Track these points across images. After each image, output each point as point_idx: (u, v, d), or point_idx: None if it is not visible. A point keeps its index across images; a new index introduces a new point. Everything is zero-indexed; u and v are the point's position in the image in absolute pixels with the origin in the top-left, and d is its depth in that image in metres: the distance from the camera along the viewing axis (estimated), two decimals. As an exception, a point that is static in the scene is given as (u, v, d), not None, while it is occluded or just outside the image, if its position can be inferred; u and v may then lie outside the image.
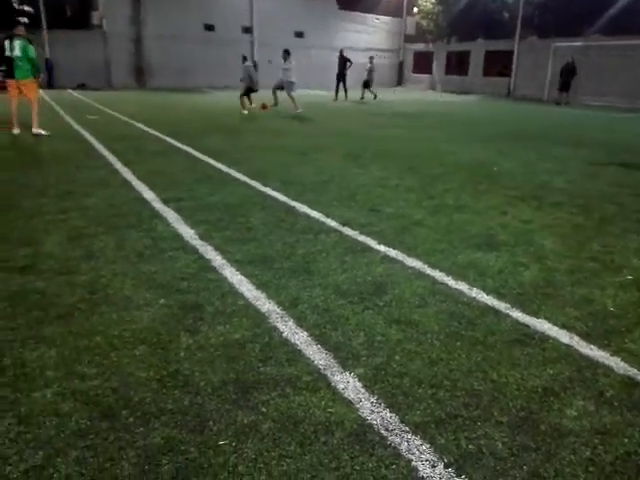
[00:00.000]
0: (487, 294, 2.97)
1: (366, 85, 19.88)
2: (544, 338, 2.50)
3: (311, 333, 2.48)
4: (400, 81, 35.62)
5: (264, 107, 14.68)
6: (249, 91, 14.01)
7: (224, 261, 3.37)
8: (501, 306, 2.82)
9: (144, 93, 22.05)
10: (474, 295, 2.96)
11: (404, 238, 3.90)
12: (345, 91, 19.45)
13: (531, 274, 3.29)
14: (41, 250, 3.46)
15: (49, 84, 23.43)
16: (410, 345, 2.41)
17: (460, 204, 4.93)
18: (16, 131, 8.82)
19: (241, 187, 5.45)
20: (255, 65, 16.73)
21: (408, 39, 35.10)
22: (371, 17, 33.73)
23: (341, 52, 19.61)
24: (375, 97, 19.74)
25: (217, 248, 3.60)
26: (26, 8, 22.02)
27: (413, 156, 7.61)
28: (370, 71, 19.92)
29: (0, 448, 1.71)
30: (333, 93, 19.76)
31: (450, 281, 3.14)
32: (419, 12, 33.23)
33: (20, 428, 1.80)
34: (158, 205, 4.63)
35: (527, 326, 2.61)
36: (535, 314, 2.74)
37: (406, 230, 4.10)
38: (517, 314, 2.73)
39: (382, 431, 1.83)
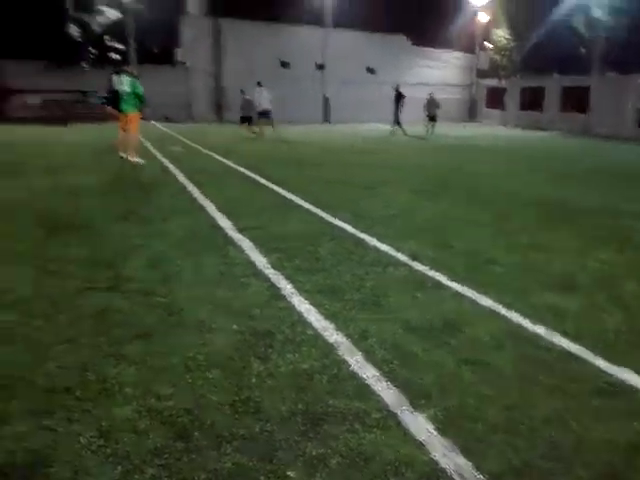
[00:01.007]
0: (566, 339, 2.82)
1: (432, 119, 19.39)
2: (630, 389, 2.33)
3: (380, 368, 2.45)
4: (472, 116, 35.26)
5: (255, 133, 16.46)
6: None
7: (294, 290, 3.42)
8: (582, 352, 2.67)
9: (222, 126, 23.12)
10: (552, 339, 2.82)
11: (477, 276, 3.80)
12: (399, 124, 19.35)
13: (614, 320, 3.09)
14: (124, 272, 3.67)
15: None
16: (484, 388, 2.32)
17: (536, 242, 4.76)
18: (123, 155, 9.54)
19: (311, 218, 5.54)
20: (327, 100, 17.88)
21: (481, 74, 34.82)
22: (443, 52, 33.83)
23: (397, 88, 19.71)
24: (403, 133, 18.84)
25: (287, 277, 3.66)
26: (117, 45, 23.87)
27: (486, 191, 7.46)
28: (431, 105, 19.34)
29: (83, 460, 1.80)
30: (400, 128, 19.43)
31: (526, 323, 3.02)
32: (493, 47, 33.00)
33: (101, 442, 1.89)
34: (232, 233, 4.79)
35: (611, 375, 2.45)
36: (619, 363, 2.56)
37: (479, 267, 4.00)
38: (600, 362, 2.57)
39: (455, 477, 1.76)
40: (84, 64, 11.10)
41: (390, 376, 2.39)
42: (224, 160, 10.26)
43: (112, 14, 23.14)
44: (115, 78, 9.30)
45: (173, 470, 1.76)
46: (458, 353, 2.63)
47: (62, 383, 2.25)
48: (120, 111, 9.41)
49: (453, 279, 3.69)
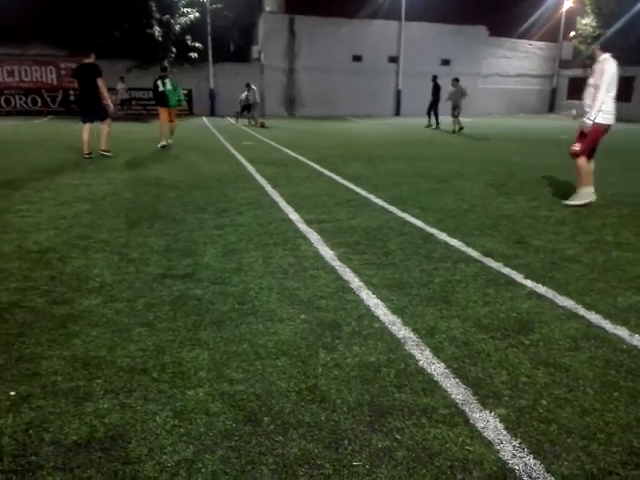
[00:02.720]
0: (653, 343, 2.63)
1: (454, 111, 17.17)
2: None
3: (449, 365, 2.41)
4: (552, 108, 33.55)
5: (262, 125, 18.17)
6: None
7: (361, 283, 3.42)
8: (671, 359, 2.48)
9: (293, 121, 23.45)
10: (636, 343, 2.65)
11: (554, 274, 3.63)
12: (437, 118, 18.84)
13: None
14: (200, 261, 3.82)
15: (211, 112, 26.01)
16: (559, 390, 2.22)
17: (620, 241, 4.47)
18: (163, 143, 11.57)
19: (379, 212, 5.51)
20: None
21: (563, 64, 33.02)
22: (523, 42, 32.40)
23: (434, 78, 19.02)
24: (436, 126, 18.40)
25: (355, 270, 3.67)
26: (197, 44, 24.78)
27: (566, 186, 7.07)
28: (457, 95, 17.05)
29: (158, 438, 1.90)
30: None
31: (607, 325, 2.85)
32: (577, 36, 31.18)
33: (175, 422, 1.99)
34: (302, 226, 4.86)
35: None
36: None
37: (557, 265, 3.81)
38: (691, 370, 2.39)
39: (525, 477, 1.70)
40: (165, 63, 11.77)
41: (459, 373, 2.34)
42: (293, 153, 10.41)
43: (192, 14, 24.03)
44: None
45: (242, 452, 1.82)
46: (533, 354, 2.53)
47: (141, 364, 2.39)
48: (167, 107, 11.64)
49: (529, 277, 3.55)
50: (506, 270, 3.69)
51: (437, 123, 18.89)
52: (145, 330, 2.72)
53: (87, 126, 9.53)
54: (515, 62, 31.88)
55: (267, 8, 28.01)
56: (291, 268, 3.72)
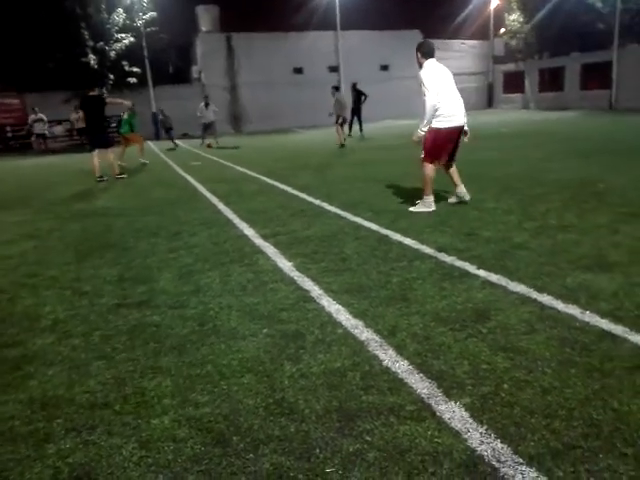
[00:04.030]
0: (602, 318, 2.76)
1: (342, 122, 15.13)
2: (673, 364, 2.27)
3: (412, 362, 2.44)
4: (490, 103, 34.77)
5: (209, 146, 17.38)
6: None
7: (321, 291, 3.44)
8: (618, 330, 2.61)
9: (240, 137, 23.39)
10: (587, 319, 2.76)
11: (505, 262, 3.75)
12: (360, 125, 17.67)
13: (652, 295, 3.01)
14: (155, 287, 3.75)
15: (156, 136, 25.59)
16: (519, 373, 2.29)
17: (564, 224, 4.66)
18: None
19: (333, 219, 5.56)
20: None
21: (497, 60, 34.35)
22: (457, 42, 33.50)
23: (354, 85, 17.60)
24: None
25: (314, 279, 3.69)
26: (134, 69, 24.41)
27: (509, 177, 7.34)
28: (338, 103, 15.23)
29: (126, 471, 1.84)
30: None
31: (559, 305, 2.96)
32: (506, 32, 32.51)
33: (142, 452, 1.94)
34: (258, 241, 4.84)
35: (652, 351, 2.38)
36: (660, 338, 2.49)
37: (507, 254, 3.94)
38: (637, 338, 2.51)
39: (494, 462, 1.74)
40: (103, 90, 11.64)
41: (423, 368, 2.38)
42: (242, 169, 10.38)
43: (127, 39, 23.68)
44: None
45: (213, 475, 1.79)
46: (491, 341, 2.60)
47: (101, 399, 2.32)
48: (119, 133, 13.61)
49: (481, 267, 3.65)
50: (459, 263, 3.78)
51: (360, 129, 17.78)
52: (103, 363, 2.65)
53: (96, 152, 10.31)
54: (451, 62, 32.76)
55: (203, 28, 27.94)
56: (250, 284, 3.70)
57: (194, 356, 2.65)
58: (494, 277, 3.47)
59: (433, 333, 2.72)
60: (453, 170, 5.69)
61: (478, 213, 5.30)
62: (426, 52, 5.33)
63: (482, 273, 3.55)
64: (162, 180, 10.06)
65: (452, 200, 5.78)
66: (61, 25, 21.87)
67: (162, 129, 20.18)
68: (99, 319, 3.23)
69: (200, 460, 1.86)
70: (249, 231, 5.23)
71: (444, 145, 5.43)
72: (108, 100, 10.77)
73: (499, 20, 34.08)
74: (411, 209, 5.58)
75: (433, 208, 5.50)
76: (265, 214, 6.01)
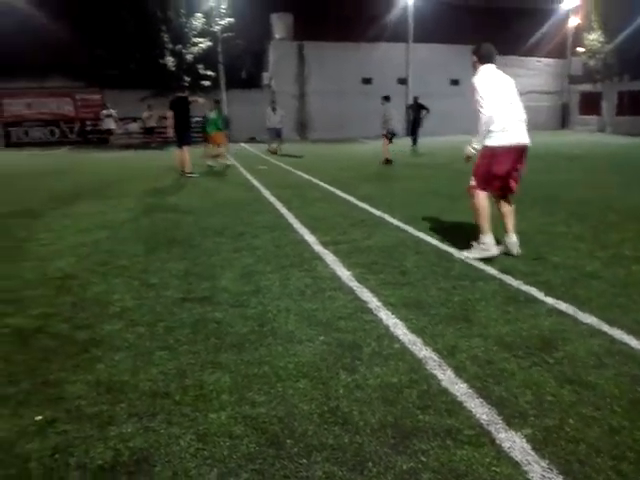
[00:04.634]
0: (681, 359, 2.58)
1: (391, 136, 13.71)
2: None
3: (472, 385, 2.38)
4: (564, 123, 33.51)
5: (274, 152, 17.14)
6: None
7: (379, 303, 3.41)
8: (700, 375, 2.43)
9: (305, 144, 23.68)
10: (663, 359, 2.60)
11: (575, 290, 3.58)
12: (415, 140, 17.16)
13: None
14: (218, 284, 3.85)
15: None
16: (586, 409, 2.18)
17: (639, 255, 4.41)
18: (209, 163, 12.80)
19: (394, 231, 5.51)
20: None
21: (573, 80, 33.09)
22: (532, 60, 32.56)
23: (415, 99, 17.45)
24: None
25: (372, 290, 3.67)
26: (209, 72, 25.27)
27: (581, 201, 7.03)
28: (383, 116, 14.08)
29: (182, 462, 1.90)
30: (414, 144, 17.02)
31: (632, 340, 2.80)
32: (585, 52, 31.28)
33: (199, 445, 1.99)
34: (318, 247, 4.87)
35: None
36: None
37: (577, 282, 3.77)
38: None
39: (556, 500, 1.67)
40: (179, 92, 12.03)
41: (483, 393, 2.31)
42: (306, 176, 10.50)
43: (204, 44, 24.56)
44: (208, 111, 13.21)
45: (266, 476, 1.81)
46: (557, 372, 2.49)
47: (163, 388, 2.40)
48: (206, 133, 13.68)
49: (549, 294, 3.51)
50: (525, 287, 3.65)
51: (415, 144, 17.27)
52: (166, 354, 2.74)
53: (185, 148, 11.07)
54: (525, 79, 31.91)
55: (276, 35, 28.55)
56: (308, 289, 3.73)
57: (252, 355, 2.70)
58: (562, 305, 3.33)
59: (495, 358, 2.64)
60: (508, 209, 4.53)
61: (547, 237, 5.11)
62: (483, 56, 4.46)
63: (550, 300, 3.42)
64: (229, 181, 10.34)
65: (494, 251, 4.39)
66: (142, 27, 22.99)
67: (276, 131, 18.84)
68: (164, 311, 3.35)
69: (254, 459, 1.89)
70: (309, 237, 5.28)
71: (500, 169, 4.31)
72: (190, 99, 11.36)
73: (578, 39, 32.87)
74: (465, 254, 4.45)
75: (493, 253, 4.35)
76: (326, 221, 6.05)
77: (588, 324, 3.03)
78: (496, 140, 4.25)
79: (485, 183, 4.39)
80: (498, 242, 4.48)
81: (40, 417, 2.17)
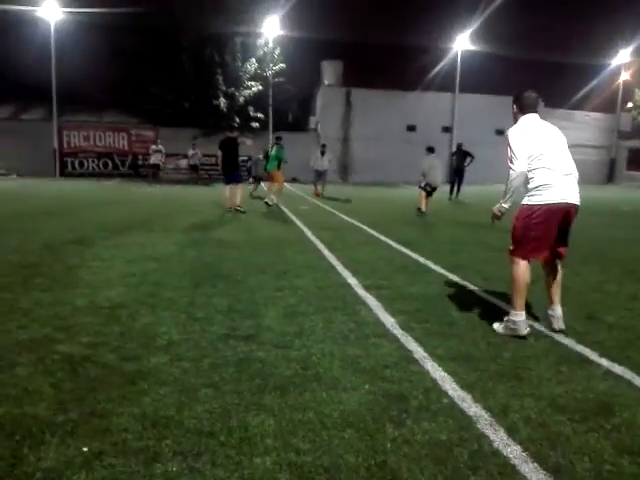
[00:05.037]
0: None
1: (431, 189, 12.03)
2: None
3: (525, 448, 2.27)
4: (611, 178, 32.84)
5: (317, 194, 16.87)
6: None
7: (425, 354, 3.34)
8: None
9: (346, 187, 23.93)
10: None
11: (631, 353, 3.42)
12: (459, 188, 17.10)
13: None
14: (262, 323, 3.86)
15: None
16: (650, 484, 2.04)
17: (702, 320, 4.19)
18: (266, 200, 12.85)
19: (439, 279, 5.43)
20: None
21: (622, 135, 32.60)
22: (580, 113, 32.35)
23: (459, 146, 17.64)
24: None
25: (417, 340, 3.60)
26: (259, 115, 26.16)
27: (633, 259, 6.79)
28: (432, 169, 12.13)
29: (227, 505, 1.86)
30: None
31: (697, 412, 2.63)
32: (635, 107, 30.88)
33: (244, 490, 1.95)
34: (360, 291, 4.85)
35: None
36: None
37: (633, 344, 3.60)
38: None
39: None
40: (228, 133, 12.45)
41: (538, 458, 2.20)
42: (347, 218, 10.56)
43: (256, 87, 25.55)
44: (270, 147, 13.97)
45: (312, 528, 1.75)
46: (616, 440, 2.36)
47: (208, 427, 2.38)
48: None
49: (604, 355, 3.36)
50: (579, 347, 3.51)
51: (457, 193, 17.07)
52: (211, 391, 2.74)
53: (228, 187, 11.54)
54: (571, 132, 31.55)
55: (325, 81, 29.45)
56: (352, 334, 3.69)
57: (296, 400, 2.66)
58: (618, 368, 3.17)
59: (549, 420, 2.52)
60: (555, 277, 3.94)
61: (599, 295, 4.93)
62: (525, 105, 3.92)
63: (604, 362, 3.26)
64: (272, 219, 10.50)
65: (522, 332, 3.71)
66: (200, 70, 24.15)
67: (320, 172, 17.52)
68: (209, 346, 3.37)
69: (300, 510, 1.84)
70: (352, 280, 5.27)
71: (544, 232, 3.70)
72: (239, 140, 11.82)
73: (627, 94, 32.54)
74: (495, 326, 3.88)
75: (523, 332, 3.69)
76: (368, 265, 6.03)
77: (649, 391, 2.87)
78: (535, 198, 3.68)
79: (524, 249, 3.77)
80: (535, 317, 4.09)
81: (87, 449, 2.18)
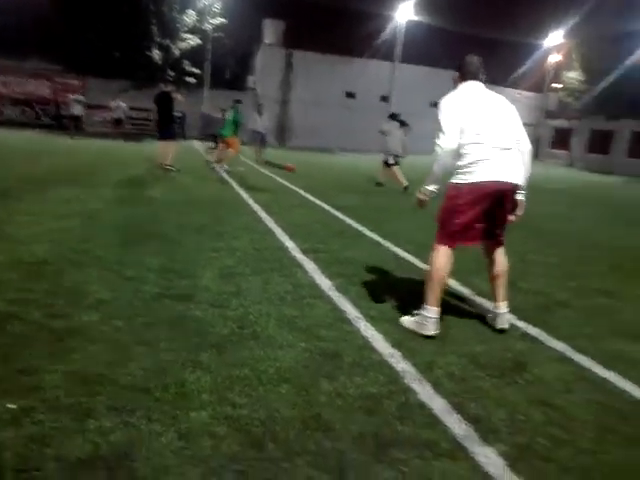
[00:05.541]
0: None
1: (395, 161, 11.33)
2: None
3: (449, 400, 2.44)
4: (536, 155, 34.61)
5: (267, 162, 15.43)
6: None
7: (359, 315, 3.46)
8: (661, 405, 2.56)
9: (283, 151, 23.70)
10: (625, 387, 2.72)
11: (546, 317, 3.72)
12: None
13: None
14: (198, 283, 3.83)
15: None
16: (555, 430, 2.27)
17: (606, 289, 4.60)
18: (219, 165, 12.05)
19: (373, 246, 5.59)
20: None
21: (549, 115, 34.27)
22: (511, 91, 33.55)
23: (394, 116, 13.11)
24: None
25: (352, 301, 3.71)
26: (195, 70, 25.10)
27: (554, 233, 7.28)
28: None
29: (164, 459, 1.89)
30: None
31: (598, 369, 2.93)
32: (563, 88, 32.44)
33: (181, 443, 1.98)
34: (297, 254, 4.90)
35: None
36: None
37: (547, 309, 3.91)
38: (681, 417, 2.46)
39: (529, 516, 1.73)
40: (162, 85, 11.86)
41: (459, 409, 2.37)
42: (283, 181, 10.53)
43: (193, 41, 24.41)
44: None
45: (249, 477, 1.82)
46: (529, 394, 2.59)
47: (142, 384, 2.37)
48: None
49: (521, 318, 3.63)
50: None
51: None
52: (145, 349, 2.71)
53: (171, 142, 11.12)
54: (502, 109, 32.92)
55: (266, 40, 28.64)
56: (288, 295, 3.75)
57: (233, 357, 2.70)
58: (533, 330, 3.45)
59: (470, 376, 2.72)
60: (499, 269, 3.45)
61: (521, 264, 5.26)
62: (466, 71, 3.37)
63: (521, 324, 3.53)
64: (208, 180, 10.25)
65: (430, 332, 3.18)
66: (133, 18, 22.70)
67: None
68: (142, 305, 3.31)
69: (236, 460, 1.90)
70: (289, 243, 5.30)
71: (472, 216, 3.15)
72: (173, 95, 11.33)
73: (557, 76, 34.08)
74: (401, 320, 3.37)
75: (430, 333, 3.16)
76: (305, 229, 6.07)
77: (557, 350, 3.15)
78: (463, 177, 3.14)
79: (447, 235, 3.21)
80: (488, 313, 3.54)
81: (15, 406, 2.12)
